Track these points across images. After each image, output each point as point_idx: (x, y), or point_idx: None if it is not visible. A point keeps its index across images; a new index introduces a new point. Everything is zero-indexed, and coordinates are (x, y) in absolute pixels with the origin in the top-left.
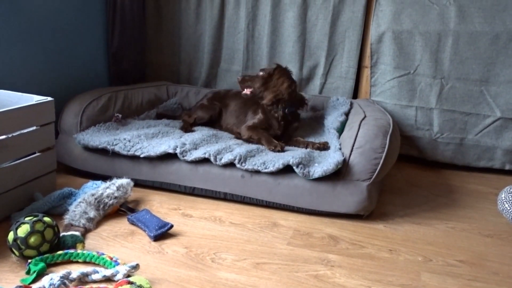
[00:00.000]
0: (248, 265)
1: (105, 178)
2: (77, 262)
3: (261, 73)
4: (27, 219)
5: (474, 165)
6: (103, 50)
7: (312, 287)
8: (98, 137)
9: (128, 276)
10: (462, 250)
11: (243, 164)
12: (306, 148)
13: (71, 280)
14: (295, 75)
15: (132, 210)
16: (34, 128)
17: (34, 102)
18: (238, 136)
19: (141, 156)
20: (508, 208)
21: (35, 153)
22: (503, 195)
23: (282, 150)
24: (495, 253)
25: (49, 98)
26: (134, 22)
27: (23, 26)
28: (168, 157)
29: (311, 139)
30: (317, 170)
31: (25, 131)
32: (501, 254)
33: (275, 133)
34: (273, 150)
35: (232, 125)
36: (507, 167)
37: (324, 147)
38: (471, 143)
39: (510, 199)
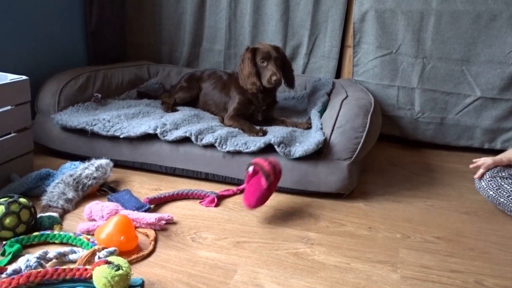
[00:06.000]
0: (229, 244)
1: (84, 159)
2: (53, 243)
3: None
4: (2, 200)
5: (454, 144)
6: (81, 28)
7: (292, 265)
8: (76, 117)
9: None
10: (440, 227)
11: (224, 147)
12: (297, 127)
13: (48, 260)
14: None
15: (114, 190)
16: (9, 107)
17: (8, 81)
18: (221, 121)
19: (121, 136)
20: (485, 186)
21: (10, 133)
22: None
23: (264, 135)
24: (471, 230)
25: (24, 77)
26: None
27: None
28: (149, 137)
29: (293, 119)
30: (298, 149)
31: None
32: (477, 231)
33: (256, 117)
34: (255, 136)
35: (211, 106)
36: (486, 146)
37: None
38: (451, 122)
39: (487, 177)
